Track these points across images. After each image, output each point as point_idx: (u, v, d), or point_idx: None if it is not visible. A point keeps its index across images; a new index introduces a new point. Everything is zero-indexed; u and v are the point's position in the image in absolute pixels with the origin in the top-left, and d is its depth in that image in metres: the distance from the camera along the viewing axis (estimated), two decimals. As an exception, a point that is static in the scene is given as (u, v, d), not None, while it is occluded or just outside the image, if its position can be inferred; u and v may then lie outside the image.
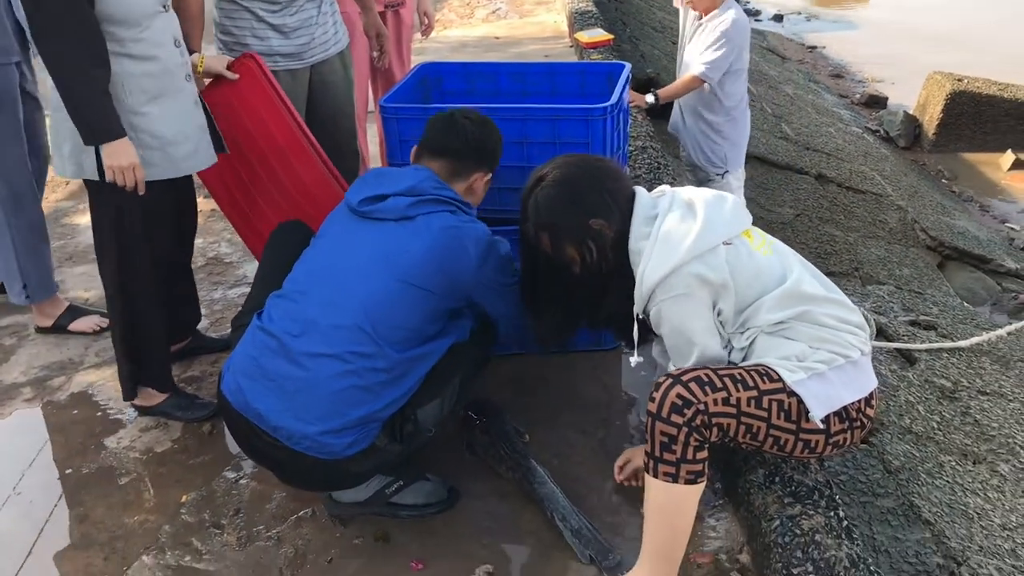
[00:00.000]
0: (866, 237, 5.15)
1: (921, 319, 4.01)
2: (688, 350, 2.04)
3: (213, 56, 2.87)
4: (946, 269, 5.20)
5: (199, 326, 3.24)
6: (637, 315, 2.11)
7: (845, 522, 2.08)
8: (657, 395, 1.91)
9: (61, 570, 2.31)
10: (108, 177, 2.45)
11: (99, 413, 2.93)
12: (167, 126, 2.55)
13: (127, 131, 2.47)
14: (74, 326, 3.38)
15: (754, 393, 1.93)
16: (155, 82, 2.51)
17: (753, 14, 11.86)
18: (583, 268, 2.15)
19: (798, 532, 2.04)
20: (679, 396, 1.89)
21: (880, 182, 6.06)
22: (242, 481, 2.58)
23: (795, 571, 1.94)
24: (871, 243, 5.08)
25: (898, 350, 3.49)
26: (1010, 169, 6.89)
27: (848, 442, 2.04)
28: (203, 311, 3.40)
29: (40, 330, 3.40)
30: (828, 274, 2.33)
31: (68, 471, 2.66)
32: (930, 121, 7.31)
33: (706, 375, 1.93)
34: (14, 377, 3.15)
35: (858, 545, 2.01)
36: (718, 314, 2.05)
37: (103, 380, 3.09)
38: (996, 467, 2.86)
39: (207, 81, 2.88)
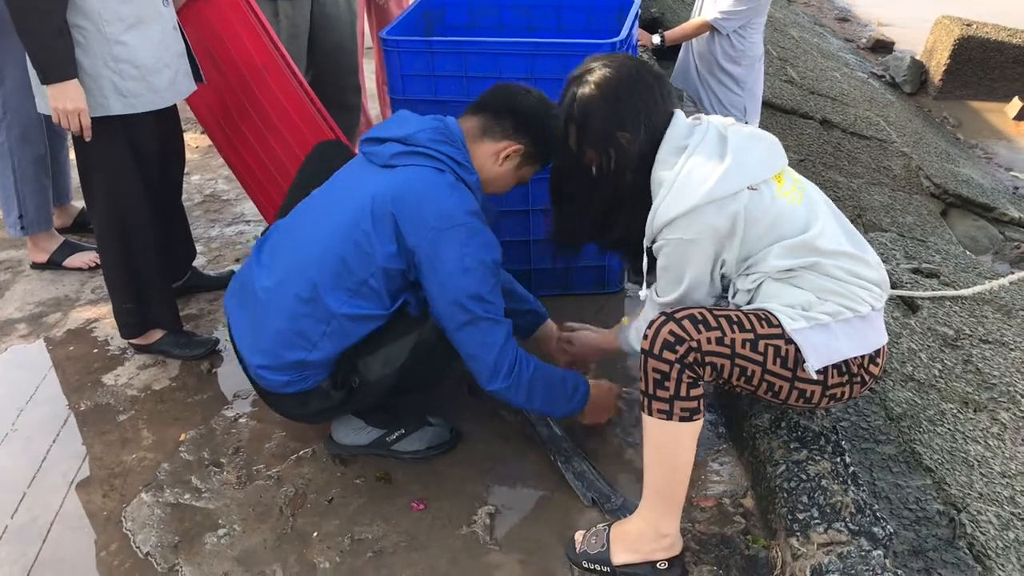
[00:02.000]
0: (870, 184, 5.10)
1: (924, 267, 3.98)
2: (674, 287, 2.02)
3: None
4: (949, 217, 5.17)
5: (196, 263, 3.20)
6: (647, 247, 2.06)
7: (851, 468, 2.06)
8: (650, 332, 1.88)
9: (60, 506, 2.29)
10: (53, 119, 2.40)
11: (96, 350, 2.90)
12: (147, 55, 2.48)
13: (107, 62, 2.41)
14: (69, 262, 3.35)
15: (750, 336, 1.90)
16: (132, 8, 2.43)
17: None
18: (599, 176, 2.06)
19: (804, 477, 2.02)
20: (671, 333, 1.86)
21: (885, 128, 5.99)
22: (241, 420, 2.56)
23: (800, 516, 1.93)
24: (875, 190, 5.03)
25: (900, 298, 3.46)
26: (1016, 117, 6.81)
27: (847, 396, 2.00)
28: (200, 248, 3.37)
29: (35, 266, 3.37)
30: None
31: (66, 408, 2.65)
32: (937, 67, 7.20)
33: (700, 314, 1.90)
34: (9, 313, 3.12)
35: (864, 491, 2.00)
36: (721, 265, 2.00)
37: (100, 317, 3.06)
38: (997, 415, 2.85)
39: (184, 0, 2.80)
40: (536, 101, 2.24)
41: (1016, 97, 6.90)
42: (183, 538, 2.17)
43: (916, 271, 3.91)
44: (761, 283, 2.00)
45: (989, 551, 2.18)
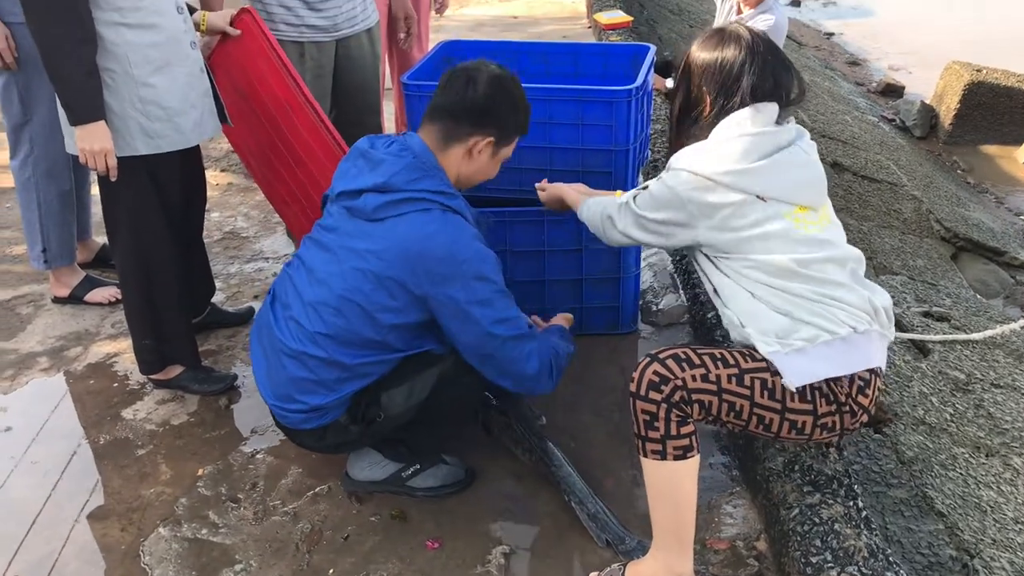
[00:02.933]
0: (880, 227, 5.13)
1: (934, 310, 3.99)
2: (649, 210, 2.11)
3: (215, 12, 2.86)
4: (960, 261, 5.19)
5: (215, 300, 3.25)
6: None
7: (864, 512, 2.08)
8: (636, 375, 1.93)
9: (77, 539, 2.32)
10: (80, 159, 2.45)
11: (116, 384, 2.94)
12: (174, 96, 2.54)
13: (135, 104, 2.47)
14: (90, 297, 3.39)
15: (735, 371, 1.93)
16: (160, 52, 2.49)
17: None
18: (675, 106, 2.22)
19: (817, 521, 2.04)
20: (656, 373, 1.90)
21: (895, 171, 6.03)
22: (258, 456, 2.59)
23: (813, 560, 1.94)
24: (885, 233, 5.06)
25: (912, 341, 3.48)
26: (1026, 162, 6.86)
27: (839, 426, 2.01)
28: (220, 285, 3.41)
29: (57, 300, 3.41)
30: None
31: (85, 441, 2.68)
32: (947, 111, 7.26)
33: (683, 353, 1.94)
34: (31, 346, 3.16)
35: (877, 535, 2.02)
36: (700, 244, 2.08)
37: (120, 351, 3.10)
38: (1009, 460, 2.85)
39: (215, 40, 2.88)
40: (487, 84, 2.22)
41: (1026, 142, 6.95)
42: (200, 573, 2.19)
43: (927, 315, 3.92)
44: (735, 295, 2.05)
45: (1003, 598, 2.18)
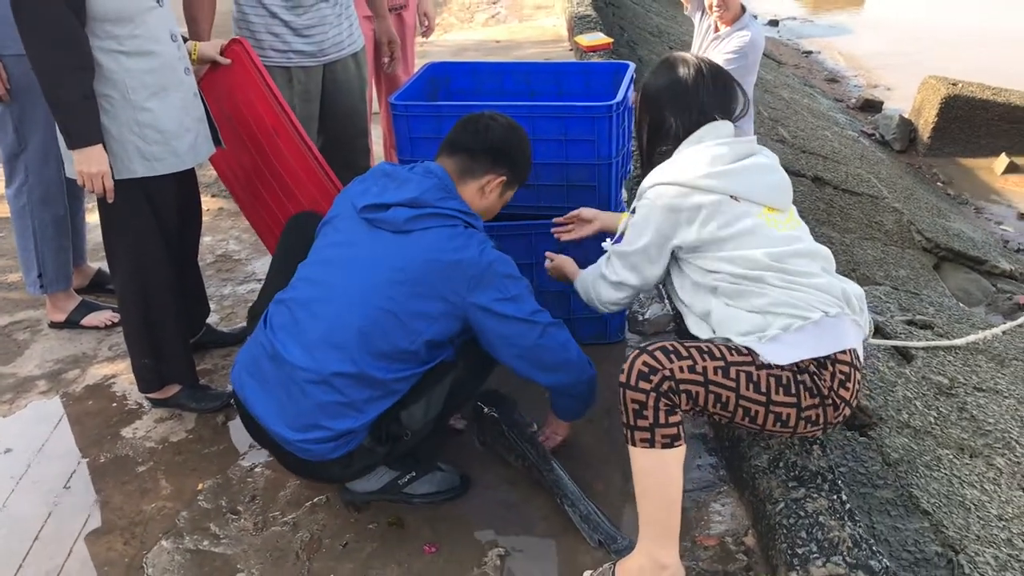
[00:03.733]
0: (862, 239, 5.21)
1: (918, 319, 4.06)
2: (634, 241, 2.26)
3: (206, 42, 2.93)
4: (942, 270, 5.26)
5: (210, 321, 3.30)
6: (633, 208, 2.32)
7: (848, 504, 2.14)
8: (625, 366, 2.00)
9: (81, 554, 2.36)
10: (79, 182, 2.51)
11: (114, 404, 2.99)
12: (170, 120, 2.61)
13: (132, 128, 2.53)
14: (87, 321, 3.44)
15: (721, 363, 2.01)
16: (156, 77, 2.56)
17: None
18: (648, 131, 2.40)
19: (802, 514, 2.10)
20: (645, 364, 1.98)
21: (876, 184, 6.13)
22: (257, 469, 2.64)
23: (799, 551, 2.00)
24: (867, 244, 5.14)
25: (896, 348, 3.54)
26: (1004, 172, 6.97)
27: (822, 420, 2.08)
28: (214, 307, 3.47)
29: (53, 325, 3.46)
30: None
31: (85, 460, 2.72)
32: (925, 125, 7.39)
33: (671, 345, 2.02)
34: (29, 370, 3.21)
35: (860, 526, 2.07)
36: (677, 245, 2.21)
37: (117, 373, 3.15)
38: (992, 460, 2.91)
39: (205, 68, 2.95)
40: (504, 130, 2.39)
41: (1003, 153, 7.07)
42: (203, 583, 2.24)
43: (910, 323, 3.99)
44: (711, 310, 2.16)
45: (987, 591, 2.24)
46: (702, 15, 4.13)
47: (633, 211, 2.31)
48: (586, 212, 2.72)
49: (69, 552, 2.37)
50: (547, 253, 2.70)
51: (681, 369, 1.98)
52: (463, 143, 2.38)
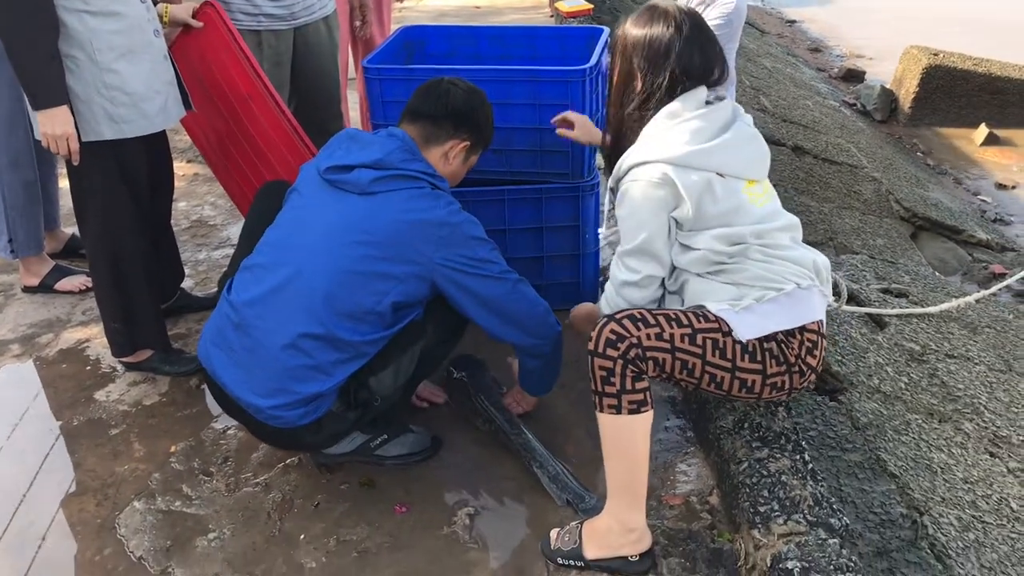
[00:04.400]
0: (841, 208, 5.23)
1: (893, 287, 4.09)
2: (636, 233, 2.16)
3: (177, 5, 2.90)
4: (919, 239, 5.29)
5: (184, 285, 3.30)
6: (610, 187, 2.26)
7: (810, 464, 2.17)
8: (593, 334, 2.01)
9: (54, 515, 2.37)
10: (43, 144, 2.49)
11: (88, 368, 2.99)
12: (139, 82, 2.58)
13: (100, 90, 2.51)
14: (60, 285, 3.43)
15: (688, 330, 2.03)
16: (123, 38, 2.53)
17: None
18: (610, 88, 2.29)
19: (765, 473, 2.13)
20: (613, 332, 1.99)
21: (856, 154, 6.15)
22: (229, 432, 2.65)
23: (761, 509, 2.03)
24: (846, 214, 5.16)
25: (869, 315, 3.57)
26: (983, 143, 6.99)
27: (788, 386, 2.11)
28: (188, 271, 3.46)
29: (27, 289, 3.45)
30: (805, 243, 2.40)
31: (59, 423, 2.73)
32: (906, 95, 7.40)
33: (639, 313, 2.03)
34: (2, 335, 3.20)
35: (822, 486, 2.11)
36: (676, 224, 2.15)
37: (91, 337, 3.15)
38: (960, 425, 2.95)
39: (177, 31, 2.93)
40: (465, 94, 2.38)
41: (983, 124, 7.09)
42: (175, 542, 2.25)
43: (886, 291, 4.02)
44: (686, 282, 2.15)
45: (950, 551, 2.27)
46: None
47: (613, 192, 2.27)
48: (572, 116, 2.70)
49: (42, 513, 2.38)
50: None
51: (648, 336, 1.99)
52: (424, 110, 2.36)
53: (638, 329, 2.00)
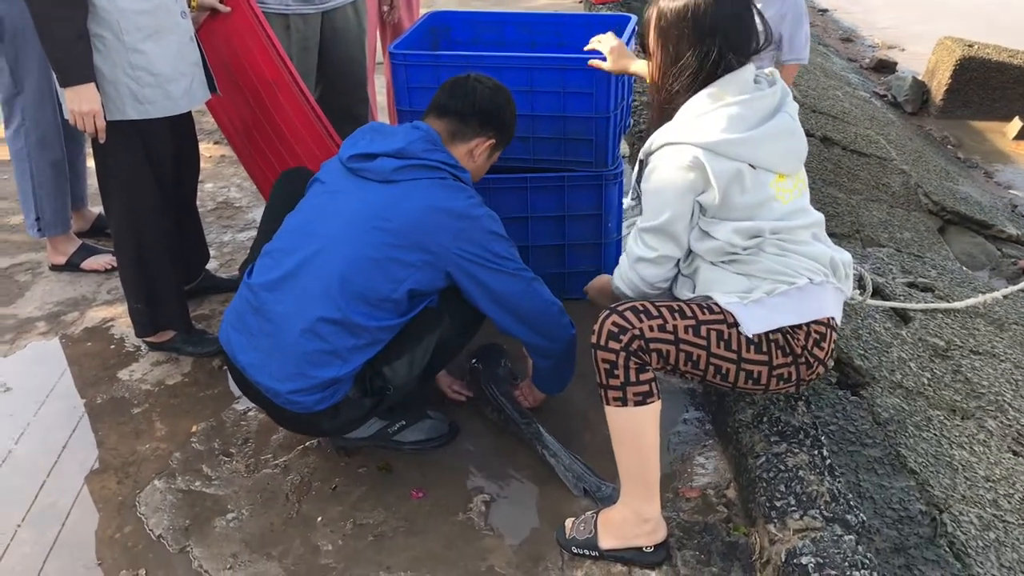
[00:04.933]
0: (869, 200, 5.18)
1: (919, 281, 4.05)
2: (659, 212, 2.12)
3: None
4: (947, 233, 5.24)
5: (209, 267, 3.32)
6: (640, 159, 2.21)
7: (828, 460, 2.16)
8: (596, 327, 2.01)
9: (77, 492, 2.41)
10: (69, 121, 2.52)
11: (112, 347, 3.02)
12: (165, 63, 2.60)
13: (126, 70, 2.53)
14: (86, 264, 3.47)
15: (692, 322, 2.01)
16: (151, 19, 2.55)
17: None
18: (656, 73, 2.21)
19: (782, 468, 2.12)
20: (615, 324, 1.98)
21: (885, 146, 6.08)
22: (250, 413, 2.67)
23: (778, 504, 2.03)
24: (873, 206, 5.11)
25: (894, 309, 3.55)
26: (1016, 137, 6.89)
27: (795, 377, 2.09)
28: (213, 253, 3.49)
29: (54, 268, 3.49)
30: (830, 235, 2.38)
31: (83, 401, 2.76)
32: (938, 87, 7.30)
33: (642, 305, 2.02)
34: (29, 312, 3.24)
35: (840, 482, 2.10)
36: (701, 209, 2.11)
37: (116, 316, 3.18)
38: (984, 423, 2.92)
39: (204, 15, 2.94)
40: (491, 92, 2.38)
41: (1016, 117, 6.98)
42: (194, 522, 2.28)
43: (911, 285, 3.99)
44: (698, 269, 2.13)
45: (969, 550, 2.26)
46: None
47: (641, 164, 2.22)
48: (605, 41, 2.64)
49: (65, 490, 2.41)
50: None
51: (651, 328, 1.99)
52: (451, 107, 2.36)
53: (640, 321, 1.99)
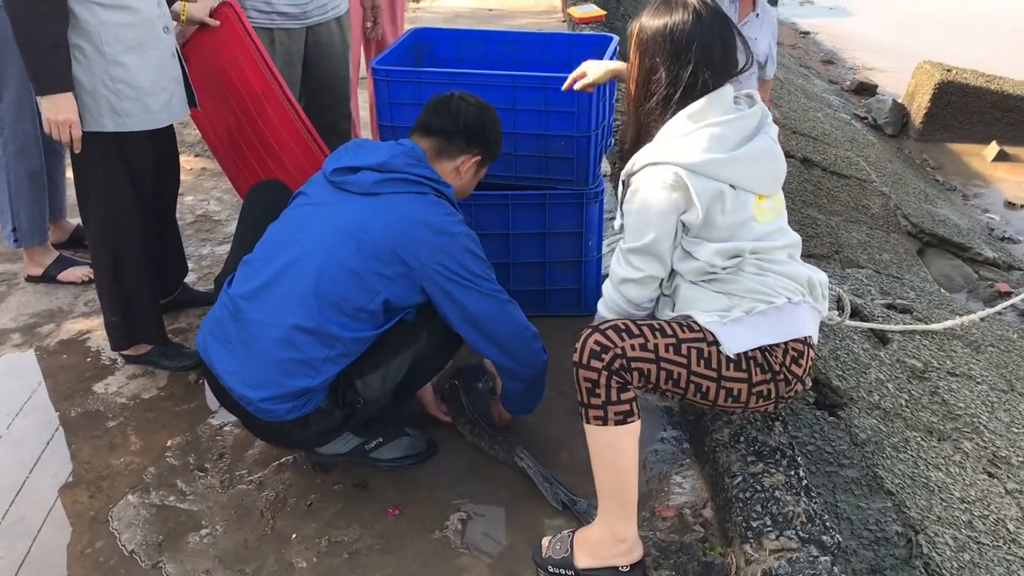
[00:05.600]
0: (848, 221, 5.21)
1: (897, 303, 4.08)
2: (643, 232, 2.10)
3: (195, 4, 2.89)
4: (925, 256, 5.28)
5: (188, 280, 3.30)
6: (622, 180, 2.19)
7: (805, 481, 2.16)
8: (578, 345, 2.01)
9: (49, 506, 2.38)
10: (45, 129, 2.51)
11: (88, 359, 3.00)
12: (145, 77, 2.59)
13: (105, 81, 2.52)
14: (63, 276, 3.44)
15: (672, 340, 2.02)
16: (133, 32, 2.54)
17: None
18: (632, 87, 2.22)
19: (759, 488, 2.12)
20: (597, 343, 1.98)
21: (865, 168, 6.13)
22: (226, 428, 2.65)
23: (754, 524, 2.02)
24: (853, 227, 5.15)
25: (872, 330, 3.57)
26: (994, 160, 6.98)
27: (774, 394, 2.10)
28: (192, 266, 3.47)
29: (30, 279, 3.46)
30: (809, 256, 2.40)
31: (56, 414, 2.73)
32: (918, 110, 7.38)
33: (623, 324, 2.02)
34: (3, 323, 3.21)
35: (816, 502, 2.10)
36: (684, 228, 2.10)
37: (92, 329, 3.16)
38: (960, 444, 2.94)
39: (192, 29, 2.93)
40: (476, 110, 2.39)
41: (994, 141, 7.07)
42: (167, 537, 2.26)
43: (890, 306, 4.01)
44: (678, 287, 2.14)
45: (944, 571, 2.26)
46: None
47: (624, 185, 2.20)
48: (580, 71, 2.62)
49: (36, 504, 2.38)
50: None
51: (633, 347, 1.99)
52: (436, 125, 2.37)
53: (622, 340, 1.99)
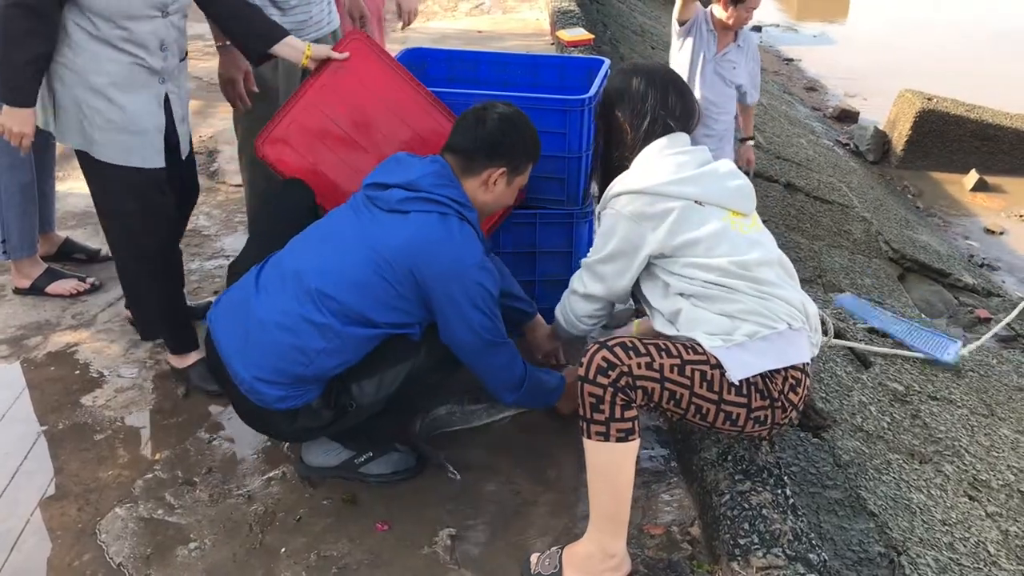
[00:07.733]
0: (830, 246, 5.27)
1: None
2: (599, 249, 2.32)
3: (317, 45, 2.82)
4: (906, 281, 5.34)
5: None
6: (598, 213, 2.39)
7: (791, 499, 2.19)
8: (585, 360, 2.04)
9: (35, 518, 2.37)
10: (2, 133, 2.56)
11: (76, 372, 2.99)
12: (121, 115, 2.59)
13: (80, 104, 2.56)
14: (51, 288, 3.43)
15: (677, 361, 2.06)
16: (123, 71, 2.57)
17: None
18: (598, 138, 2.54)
19: (746, 506, 2.15)
20: (604, 359, 2.02)
21: (847, 193, 6.21)
22: (215, 442, 2.65)
23: (741, 542, 2.05)
24: (835, 252, 5.20)
25: (854, 354, 3.61)
26: (973, 188, 7.08)
27: (770, 420, 2.14)
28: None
29: (18, 291, 3.45)
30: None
31: (44, 427, 2.73)
32: (899, 137, 7.48)
33: (630, 342, 2.06)
34: (-9, 335, 3.20)
35: (803, 521, 2.13)
36: (648, 252, 2.25)
37: (80, 341, 3.15)
38: (941, 467, 2.97)
39: (321, 65, 2.82)
40: (497, 122, 2.42)
41: (973, 169, 7.17)
42: (155, 550, 2.26)
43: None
44: (680, 310, 2.19)
45: (926, 592, 2.29)
46: (696, 34, 4.13)
47: (599, 218, 2.38)
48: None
49: (23, 517, 2.38)
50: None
51: (639, 366, 2.02)
52: (456, 144, 2.43)
53: (629, 358, 2.02)
